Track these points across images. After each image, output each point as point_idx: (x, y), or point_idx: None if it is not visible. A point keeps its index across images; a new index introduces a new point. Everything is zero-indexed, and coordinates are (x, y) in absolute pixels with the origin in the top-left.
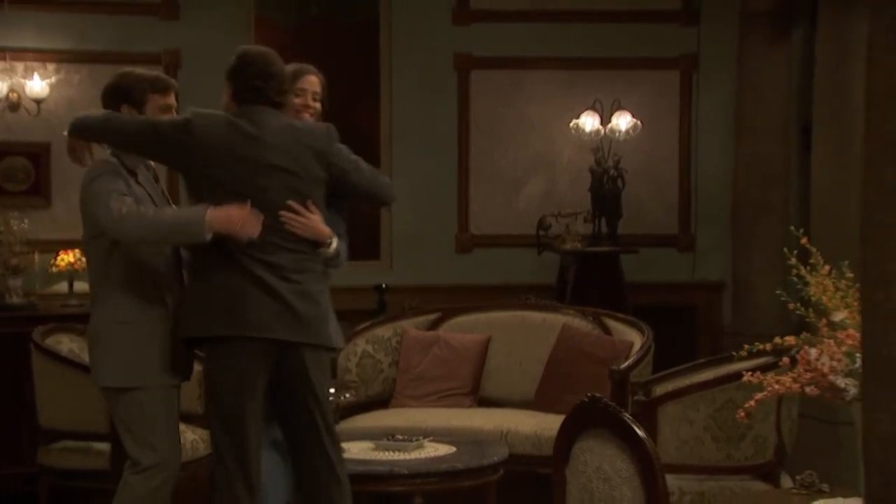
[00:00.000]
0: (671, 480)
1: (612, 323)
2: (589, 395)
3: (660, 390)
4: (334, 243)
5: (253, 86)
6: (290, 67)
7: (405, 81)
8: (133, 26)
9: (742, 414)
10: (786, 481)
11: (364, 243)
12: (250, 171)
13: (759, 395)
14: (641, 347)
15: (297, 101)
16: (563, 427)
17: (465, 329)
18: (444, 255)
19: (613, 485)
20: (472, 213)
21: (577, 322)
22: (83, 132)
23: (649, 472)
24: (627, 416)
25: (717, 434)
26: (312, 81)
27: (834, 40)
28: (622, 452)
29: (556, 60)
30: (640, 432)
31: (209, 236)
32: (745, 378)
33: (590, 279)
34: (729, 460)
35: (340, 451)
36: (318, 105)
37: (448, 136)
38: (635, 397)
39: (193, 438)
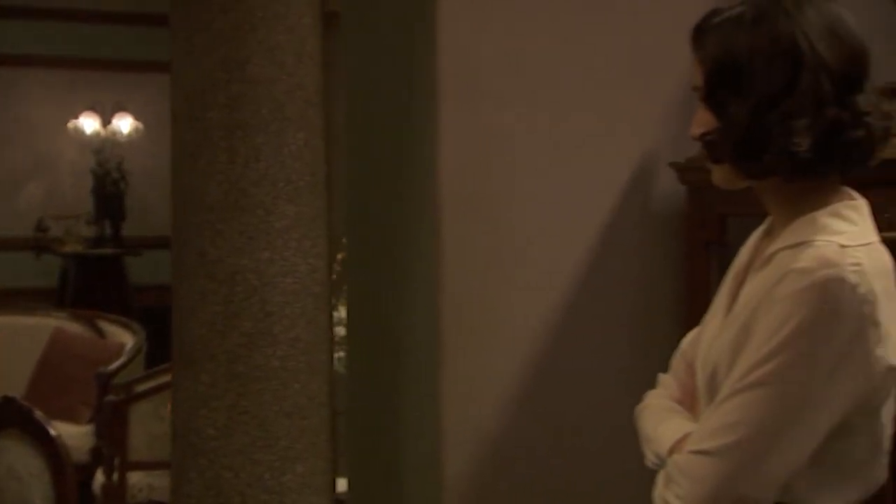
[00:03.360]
0: (141, 477)
1: (105, 325)
2: (3, 395)
3: (141, 389)
4: None
5: None
6: None
7: None
8: None
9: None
10: None
11: None
12: None
13: None
14: (132, 349)
15: None
16: None
17: None
18: None
19: (24, 483)
20: None
21: (70, 325)
22: None
23: (59, 468)
24: (39, 415)
25: None
26: None
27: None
28: (34, 450)
29: (56, 60)
30: (51, 431)
31: None
32: None
33: (93, 282)
34: None
35: None
36: None
37: None
38: (106, 398)
39: None
